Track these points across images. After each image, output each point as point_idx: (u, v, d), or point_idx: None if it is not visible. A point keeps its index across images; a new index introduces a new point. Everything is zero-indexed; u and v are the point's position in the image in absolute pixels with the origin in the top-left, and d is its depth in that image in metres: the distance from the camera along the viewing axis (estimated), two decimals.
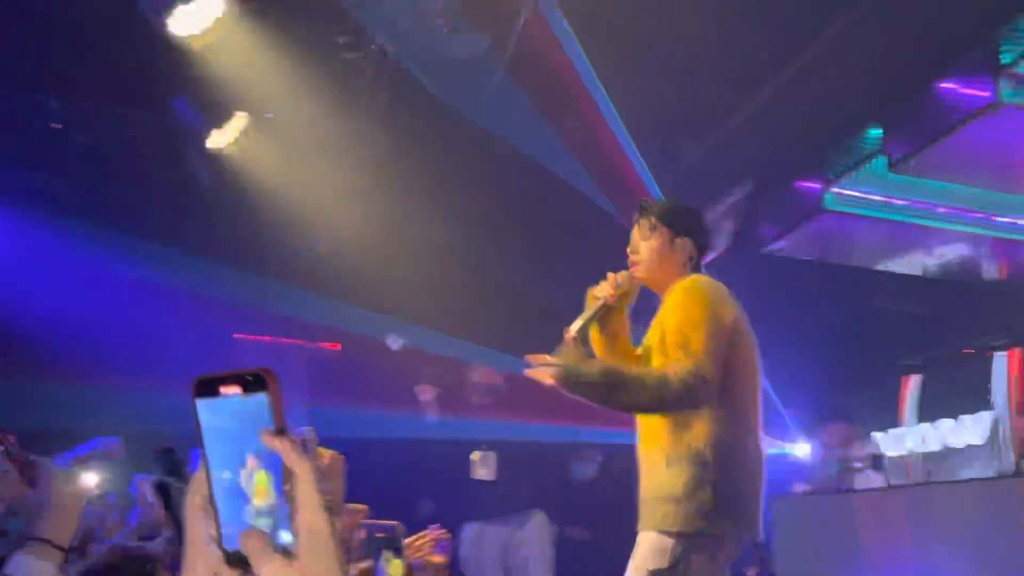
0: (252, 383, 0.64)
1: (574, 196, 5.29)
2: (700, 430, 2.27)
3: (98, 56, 4.17)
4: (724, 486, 2.25)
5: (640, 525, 2.35)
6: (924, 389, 5.46)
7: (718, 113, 4.81)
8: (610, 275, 2.49)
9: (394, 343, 5.47)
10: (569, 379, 2.26)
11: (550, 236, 6.00)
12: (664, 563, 2.21)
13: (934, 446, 5.78)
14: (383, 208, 5.43)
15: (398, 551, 1.94)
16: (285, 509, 0.64)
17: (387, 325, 5.92)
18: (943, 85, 3.86)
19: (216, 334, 6.15)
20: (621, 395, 2.28)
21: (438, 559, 2.53)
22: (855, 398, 7.12)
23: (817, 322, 6.84)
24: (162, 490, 2.03)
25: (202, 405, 0.65)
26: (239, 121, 4.58)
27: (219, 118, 4.67)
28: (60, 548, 1.55)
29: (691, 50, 4.35)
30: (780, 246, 5.52)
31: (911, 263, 5.82)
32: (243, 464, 0.65)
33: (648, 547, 2.26)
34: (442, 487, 4.99)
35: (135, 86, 4.41)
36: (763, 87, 4.48)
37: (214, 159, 4.88)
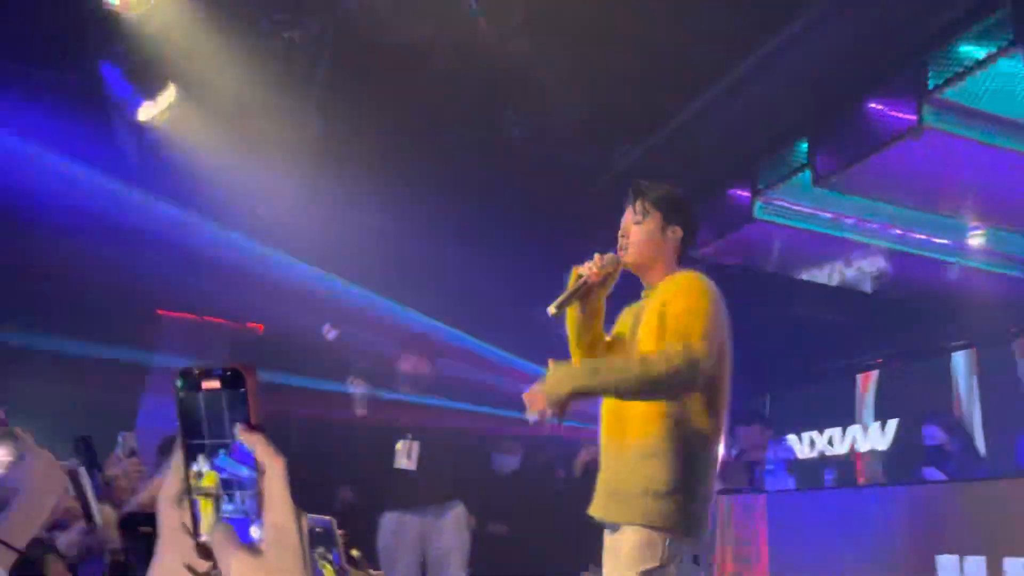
0: (231, 378, 0.66)
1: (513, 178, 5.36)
2: (687, 424, 2.26)
3: (25, 18, 4.01)
4: (705, 483, 2.28)
5: (612, 517, 2.30)
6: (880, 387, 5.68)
7: (654, 118, 4.88)
8: (596, 255, 2.44)
9: (329, 332, 5.41)
10: (561, 393, 2.22)
11: (488, 219, 6.02)
12: (656, 561, 2.17)
13: (841, 450, 6.01)
14: (319, 188, 5.37)
15: (333, 548, 1.90)
16: (255, 504, 0.65)
17: (315, 308, 5.85)
18: (871, 105, 3.99)
19: (140, 309, 6.01)
20: (614, 380, 2.22)
21: (355, 552, 2.50)
22: (771, 402, 7.37)
23: (736, 326, 7.01)
24: (74, 479, 1.93)
25: (183, 397, 0.66)
26: (170, 94, 4.45)
27: (151, 90, 4.54)
28: (17, 551, 1.26)
29: (629, 55, 4.42)
30: (707, 252, 5.65)
31: (831, 274, 6.03)
32: (218, 456, 0.66)
33: (635, 543, 2.20)
34: (363, 475, 4.97)
35: (63, 49, 4.25)
36: (699, 94, 4.57)
37: (143, 130, 4.73)
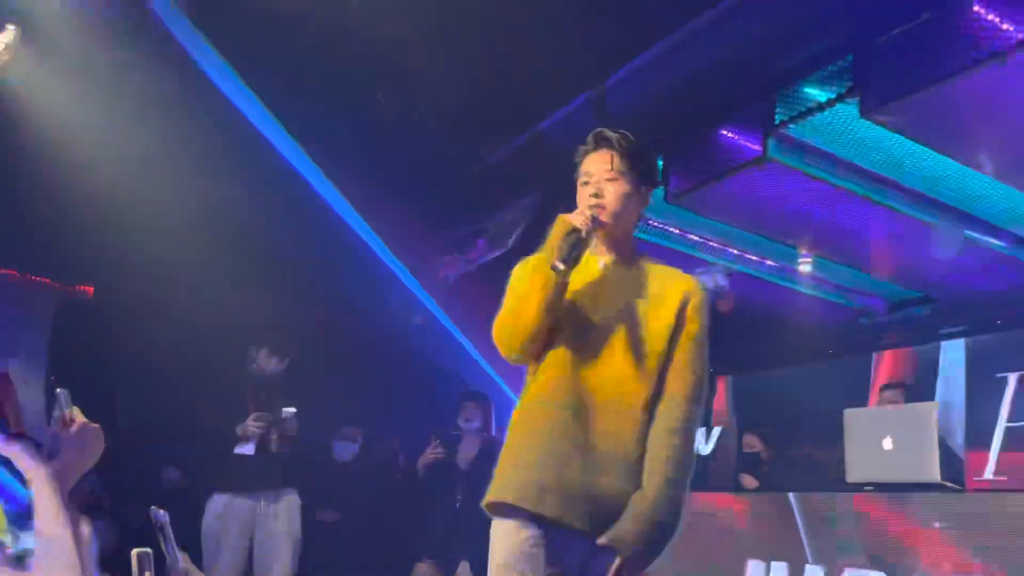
0: None
1: None
2: None
3: None
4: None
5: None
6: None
7: (521, 119, 4.95)
8: (584, 207, 2.10)
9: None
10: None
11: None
12: None
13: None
14: (170, 149, 5.09)
15: (167, 542, 1.80)
16: (27, 515, 0.62)
17: (149, 271, 5.53)
18: (722, 132, 4.21)
19: None
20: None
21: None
22: None
23: None
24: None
25: None
26: (6, 35, 4.09)
27: None
28: None
29: (503, 56, 4.46)
30: None
31: None
32: None
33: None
34: (193, 455, 4.78)
35: None
36: (566, 102, 4.67)
37: None
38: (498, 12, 4.09)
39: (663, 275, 2.17)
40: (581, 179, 2.16)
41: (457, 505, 4.69)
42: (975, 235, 4.59)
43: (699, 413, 2.09)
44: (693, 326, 2.11)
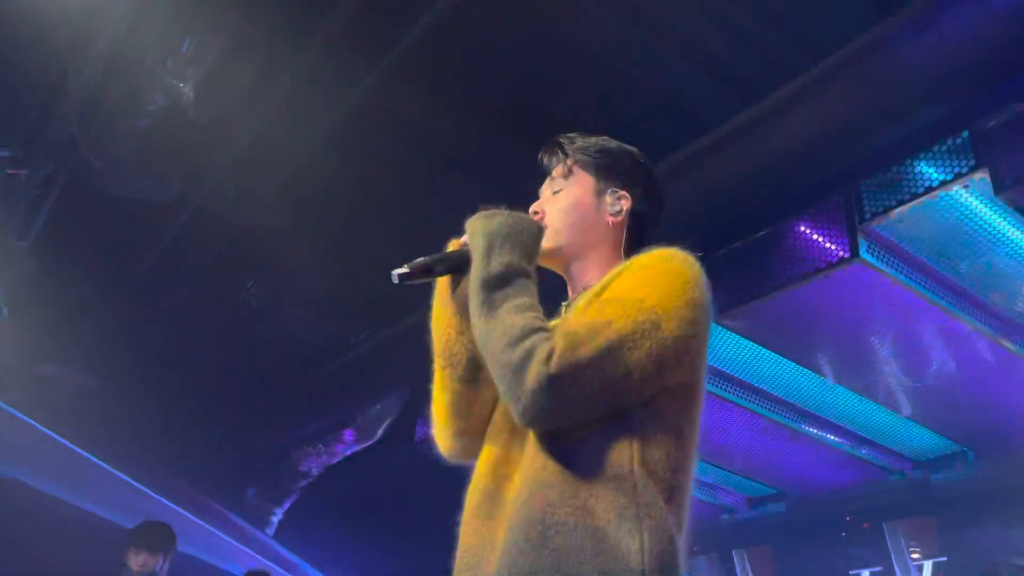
0: None
1: None
2: None
3: None
4: None
5: None
6: None
7: (393, 309, 5.02)
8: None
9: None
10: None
11: (209, 389, 5.69)
12: None
13: None
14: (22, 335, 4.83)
15: None
16: None
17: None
18: None
19: None
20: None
21: None
22: None
23: (448, 520, 7.04)
24: None
25: None
26: None
27: None
28: None
29: (376, 246, 4.58)
30: (433, 445, 5.70)
31: None
32: None
33: None
34: None
35: None
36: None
37: None
38: (370, 203, 4.26)
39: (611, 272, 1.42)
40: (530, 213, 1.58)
41: None
42: (819, 433, 4.86)
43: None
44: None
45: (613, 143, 1.61)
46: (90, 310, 4.68)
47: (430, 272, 1.43)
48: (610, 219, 1.54)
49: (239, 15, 3.17)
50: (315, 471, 6.23)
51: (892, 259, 3.47)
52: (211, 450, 6.09)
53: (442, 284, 1.49)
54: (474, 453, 1.45)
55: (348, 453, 5.95)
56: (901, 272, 3.48)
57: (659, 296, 1.27)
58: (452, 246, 1.48)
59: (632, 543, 1.16)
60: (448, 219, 4.61)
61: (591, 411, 1.25)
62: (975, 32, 2.66)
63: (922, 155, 3.15)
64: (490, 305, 1.29)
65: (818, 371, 4.25)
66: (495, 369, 1.26)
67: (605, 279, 1.38)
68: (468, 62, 3.62)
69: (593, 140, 1.60)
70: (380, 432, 5.83)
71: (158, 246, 4.40)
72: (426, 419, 5.74)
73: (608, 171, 1.56)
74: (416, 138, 4.00)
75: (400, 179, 4.21)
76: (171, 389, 5.60)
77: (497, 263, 1.33)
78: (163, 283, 4.66)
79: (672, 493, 1.25)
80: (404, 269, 1.40)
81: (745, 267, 3.64)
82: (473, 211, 1.46)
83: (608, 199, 1.55)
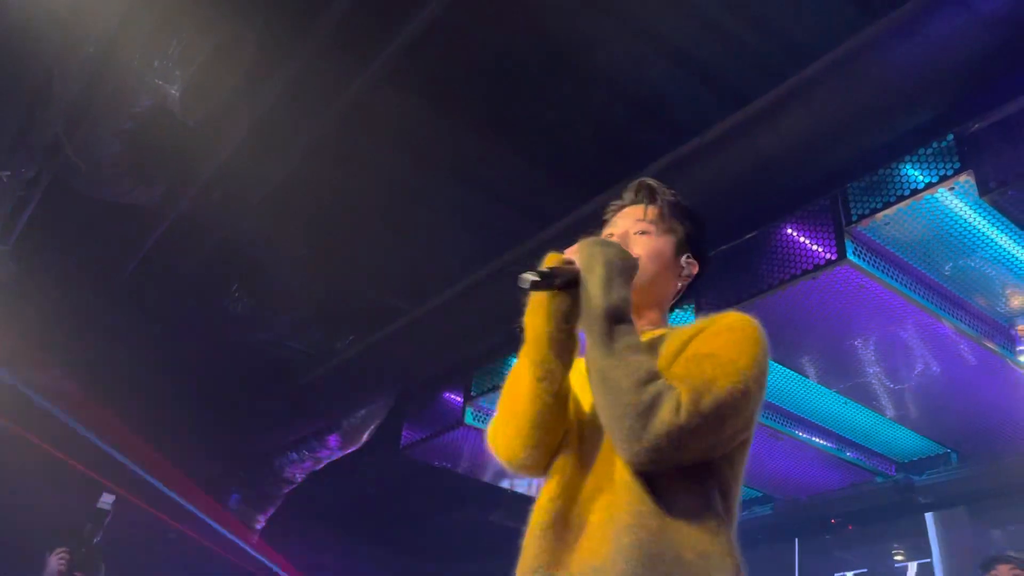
0: None
1: None
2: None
3: None
4: None
5: None
6: None
7: (379, 316, 5.01)
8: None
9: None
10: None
11: (190, 392, 5.64)
12: None
13: None
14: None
15: None
16: None
17: None
18: None
19: None
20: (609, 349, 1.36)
21: None
22: None
23: (432, 527, 7.04)
24: None
25: None
26: None
27: None
28: None
29: (365, 253, 4.58)
30: (416, 453, 5.69)
31: (530, 484, 6.28)
32: None
33: None
34: None
35: None
36: (426, 300, 4.79)
37: None
38: (358, 210, 4.24)
39: (694, 324, 1.52)
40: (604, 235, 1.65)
41: None
42: (804, 435, 4.89)
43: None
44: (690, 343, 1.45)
45: (695, 209, 1.72)
46: (72, 314, 4.62)
47: (551, 283, 1.43)
48: (678, 281, 1.65)
49: (228, 17, 3.15)
50: (299, 477, 6.19)
51: (879, 261, 3.50)
52: (195, 456, 6.03)
53: (541, 297, 1.48)
54: (539, 468, 1.49)
55: (333, 459, 5.91)
56: (887, 274, 3.52)
57: (746, 360, 1.39)
58: (551, 260, 1.48)
59: None
60: (435, 224, 4.63)
61: (695, 460, 1.35)
62: (960, 37, 2.69)
63: (908, 158, 3.19)
64: (611, 338, 1.35)
65: (804, 373, 4.28)
66: (614, 406, 1.32)
67: (689, 330, 1.48)
68: (456, 67, 3.62)
69: (683, 199, 1.71)
70: (365, 437, 5.80)
71: (142, 250, 4.36)
72: (412, 423, 5.75)
73: (689, 237, 1.67)
74: (404, 143, 3.99)
75: (387, 184, 4.20)
76: (154, 394, 5.54)
77: (616, 296, 1.39)
78: (147, 287, 4.62)
79: (733, 527, 1.40)
80: (536, 276, 1.39)
81: (733, 269, 3.66)
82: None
83: (682, 262, 1.65)
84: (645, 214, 1.65)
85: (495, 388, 5.02)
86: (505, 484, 6.28)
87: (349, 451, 5.85)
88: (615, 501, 1.34)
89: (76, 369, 5.00)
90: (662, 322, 1.63)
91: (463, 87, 3.72)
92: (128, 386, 5.30)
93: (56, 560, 3.96)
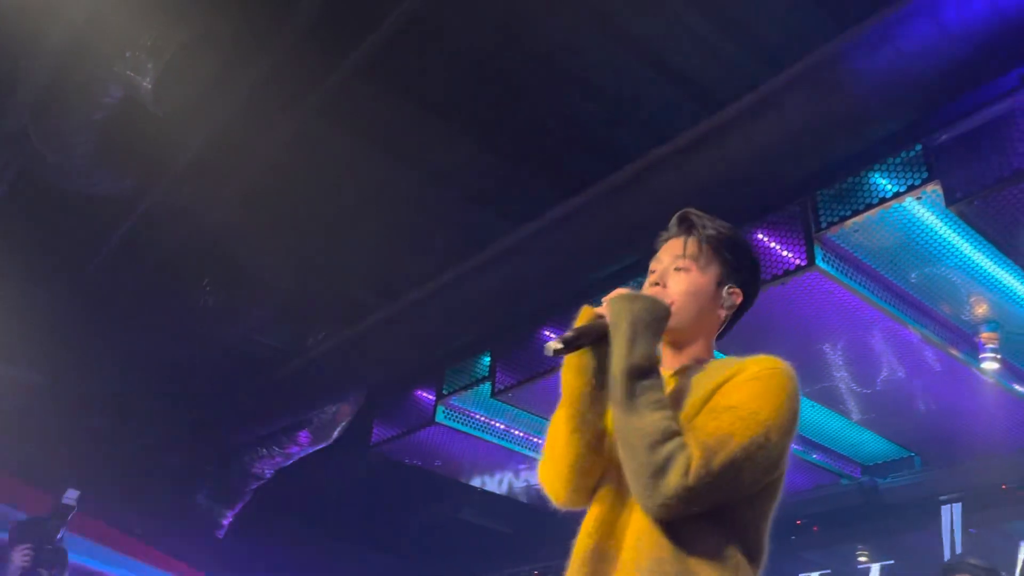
0: None
1: None
2: None
3: None
4: None
5: None
6: None
7: (351, 312, 4.98)
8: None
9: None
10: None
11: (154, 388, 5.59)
12: None
13: None
14: None
15: None
16: None
17: None
18: (545, 333, 4.42)
19: None
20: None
21: None
22: None
23: (404, 525, 7.03)
24: None
25: None
26: None
27: None
28: None
29: (337, 250, 4.55)
30: (387, 449, 5.68)
31: (502, 482, 6.30)
32: None
33: None
34: None
35: None
36: (399, 297, 4.77)
37: None
38: (333, 207, 4.22)
39: (727, 364, 1.55)
40: (649, 271, 1.69)
41: None
42: None
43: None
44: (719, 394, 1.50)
45: (740, 237, 1.72)
46: (39, 307, 4.56)
47: (575, 347, 1.51)
48: (721, 312, 1.67)
49: (203, 9, 3.12)
50: (268, 473, 6.15)
51: (847, 268, 3.54)
52: (163, 451, 5.97)
53: (571, 355, 1.56)
54: (583, 503, 1.60)
55: (302, 455, 5.88)
56: (855, 280, 3.56)
57: (769, 410, 1.44)
58: (586, 313, 1.56)
59: None
60: (408, 221, 4.61)
61: (713, 508, 1.42)
62: (930, 49, 2.73)
63: (877, 167, 3.23)
64: (632, 395, 1.42)
65: None
66: (632, 463, 1.41)
67: (722, 372, 1.52)
68: (433, 65, 3.62)
69: (725, 230, 1.69)
70: (336, 434, 5.77)
71: (111, 242, 4.31)
72: (382, 421, 5.74)
73: (731, 267, 1.67)
74: (378, 139, 3.98)
75: (361, 180, 4.19)
76: (122, 388, 5.48)
77: (639, 354, 1.45)
78: (116, 280, 4.56)
79: (760, 561, 1.49)
80: (559, 345, 1.47)
81: None
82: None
83: (724, 293, 1.66)
84: (684, 249, 1.66)
85: (466, 387, 5.03)
86: (476, 483, 6.30)
87: (319, 447, 5.82)
88: (642, 540, 1.44)
89: (41, 362, 4.93)
90: (706, 354, 1.66)
91: (439, 86, 3.72)
92: (96, 379, 5.24)
93: (20, 556, 3.93)
